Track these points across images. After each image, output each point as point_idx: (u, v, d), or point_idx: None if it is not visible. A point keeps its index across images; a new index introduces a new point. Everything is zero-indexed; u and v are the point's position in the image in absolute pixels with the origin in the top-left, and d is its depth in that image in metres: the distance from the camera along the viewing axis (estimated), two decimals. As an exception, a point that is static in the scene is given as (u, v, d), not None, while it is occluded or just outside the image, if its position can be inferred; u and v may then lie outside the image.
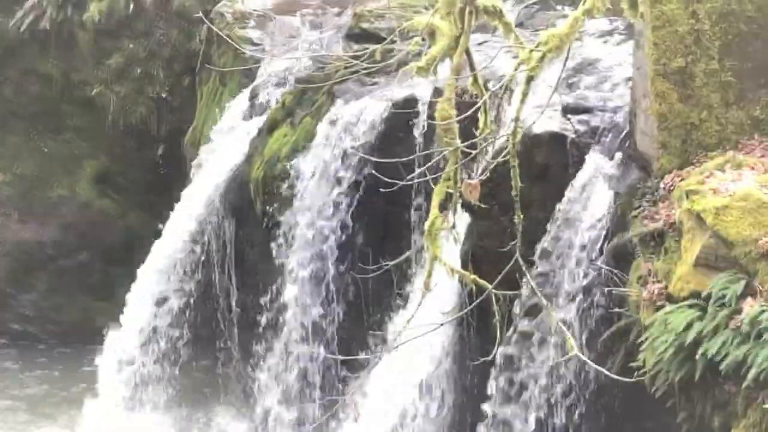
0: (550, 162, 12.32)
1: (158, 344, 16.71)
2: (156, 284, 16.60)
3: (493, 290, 8.76)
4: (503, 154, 9.23)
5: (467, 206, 12.05)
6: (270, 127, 15.83)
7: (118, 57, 19.35)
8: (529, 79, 9.17)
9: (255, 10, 17.72)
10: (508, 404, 12.13)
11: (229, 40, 16.42)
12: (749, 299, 9.55)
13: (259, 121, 16.23)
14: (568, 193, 11.99)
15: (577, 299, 11.69)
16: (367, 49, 10.41)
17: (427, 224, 8.92)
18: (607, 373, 9.27)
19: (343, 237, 14.77)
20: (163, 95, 19.13)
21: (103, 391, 16.82)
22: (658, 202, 11.06)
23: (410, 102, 14.38)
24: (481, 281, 8.84)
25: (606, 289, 11.26)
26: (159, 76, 19.12)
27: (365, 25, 16.30)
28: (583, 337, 11.60)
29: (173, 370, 16.92)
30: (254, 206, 15.69)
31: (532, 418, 11.95)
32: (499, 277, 8.77)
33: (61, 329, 19.60)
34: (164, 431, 16.69)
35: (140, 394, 16.78)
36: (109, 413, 16.61)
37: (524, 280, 9.91)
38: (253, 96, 16.69)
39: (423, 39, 9.39)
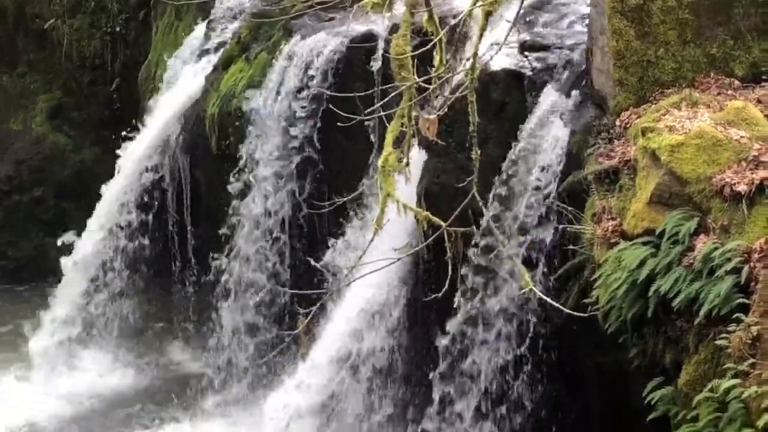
0: (506, 99, 12.30)
1: (112, 282, 16.68)
2: (110, 220, 16.52)
3: (447, 227, 8.71)
4: (461, 89, 9.18)
5: (424, 143, 12.02)
6: (225, 63, 15.68)
7: (73, -11, 19.17)
8: (487, 15, 9.11)
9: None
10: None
11: (185, -27, 16.25)
12: (702, 236, 9.58)
13: (214, 56, 16.09)
14: (524, 130, 11.98)
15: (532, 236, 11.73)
16: (323, -17, 10.35)
17: (380, 161, 8.85)
18: (562, 308, 9.30)
19: (300, 173, 14.71)
20: (118, 29, 18.94)
21: (50, 329, 16.77)
22: (613, 140, 11.05)
23: (368, 38, 14.29)
24: (435, 218, 8.78)
25: (560, 227, 11.28)
26: (113, 9, 18.90)
27: (322, -40, 16.13)
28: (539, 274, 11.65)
29: (127, 306, 16.89)
30: (209, 143, 15.58)
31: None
32: (455, 214, 8.73)
33: (14, 265, 19.47)
34: (115, 369, 16.68)
35: (90, 332, 16.75)
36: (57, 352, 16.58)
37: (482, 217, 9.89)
38: (209, 30, 16.52)
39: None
